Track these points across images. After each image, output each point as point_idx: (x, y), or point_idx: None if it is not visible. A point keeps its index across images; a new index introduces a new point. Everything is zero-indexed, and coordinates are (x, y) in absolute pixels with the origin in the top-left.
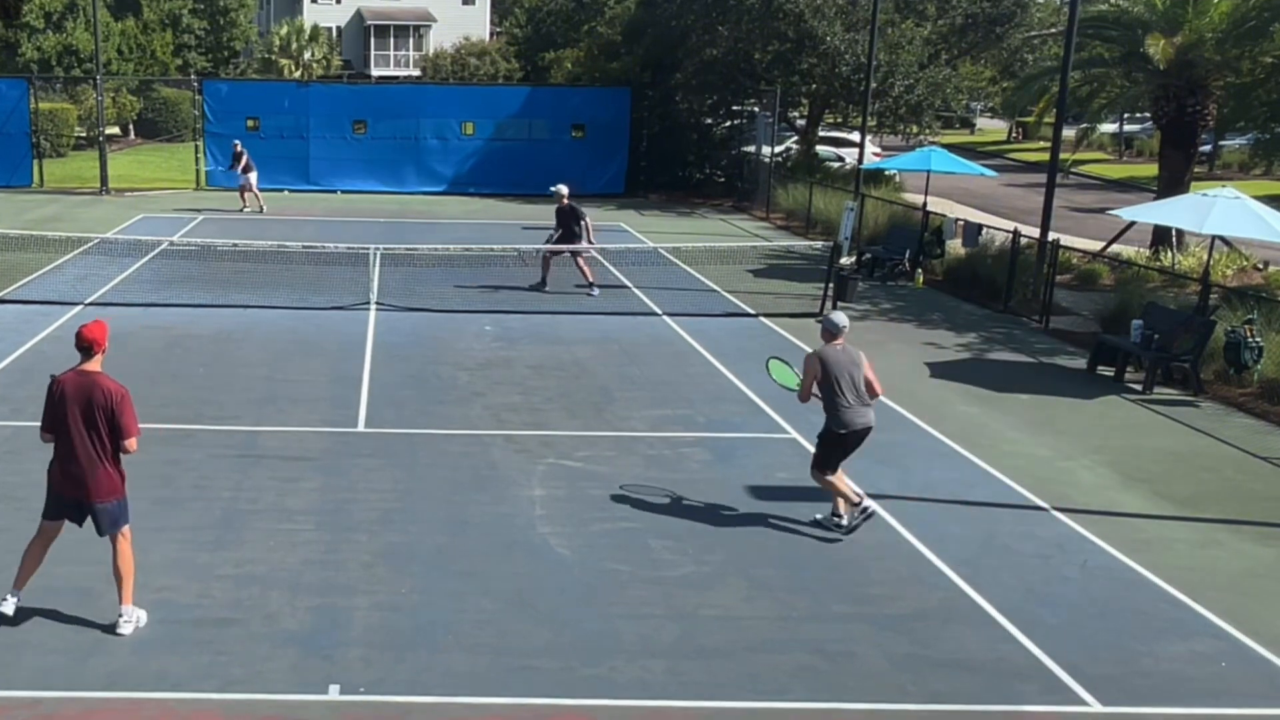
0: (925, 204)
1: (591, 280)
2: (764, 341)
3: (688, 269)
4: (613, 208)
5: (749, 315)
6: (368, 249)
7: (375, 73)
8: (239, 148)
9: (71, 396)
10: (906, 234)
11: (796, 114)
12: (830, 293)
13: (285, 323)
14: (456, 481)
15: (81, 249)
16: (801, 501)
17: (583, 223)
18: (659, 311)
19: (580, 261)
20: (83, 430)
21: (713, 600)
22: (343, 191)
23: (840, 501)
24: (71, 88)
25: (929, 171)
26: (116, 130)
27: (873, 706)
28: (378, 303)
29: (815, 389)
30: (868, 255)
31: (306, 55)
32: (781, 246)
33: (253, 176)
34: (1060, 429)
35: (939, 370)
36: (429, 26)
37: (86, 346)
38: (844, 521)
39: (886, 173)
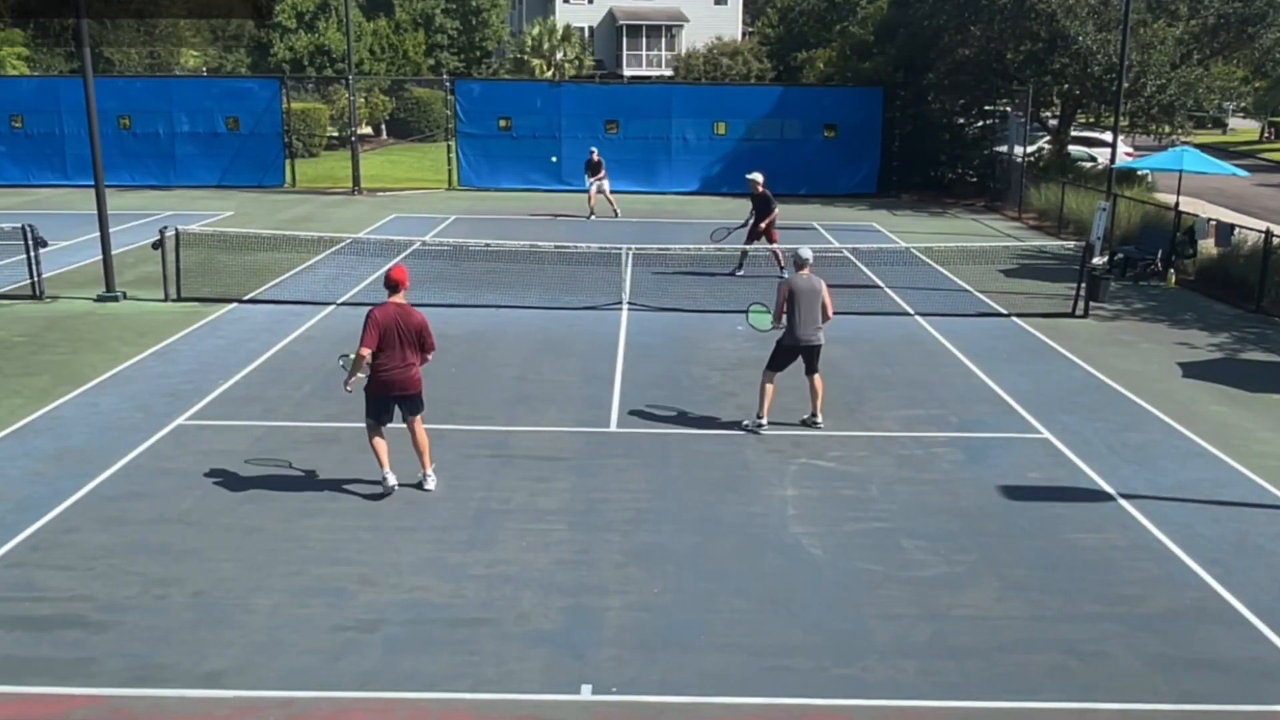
0: (1177, 204)
1: (740, 266)
2: (1016, 342)
3: (940, 269)
4: (865, 208)
5: (1001, 315)
6: (620, 249)
7: (627, 73)
8: (596, 155)
9: (393, 319)
10: (1158, 234)
11: (1048, 114)
12: (1083, 292)
13: (537, 323)
14: (709, 482)
15: (333, 249)
16: (1055, 502)
17: (770, 211)
18: (911, 311)
19: (755, 242)
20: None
21: (965, 600)
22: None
23: (764, 406)
24: (323, 88)
25: (1181, 171)
26: (368, 130)
27: (1125, 706)
28: (630, 302)
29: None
30: (1120, 255)
31: (558, 55)
32: (1033, 246)
33: (606, 183)
34: None
35: (1191, 370)
36: (681, 26)
37: (394, 284)
38: (763, 423)
39: (1138, 173)
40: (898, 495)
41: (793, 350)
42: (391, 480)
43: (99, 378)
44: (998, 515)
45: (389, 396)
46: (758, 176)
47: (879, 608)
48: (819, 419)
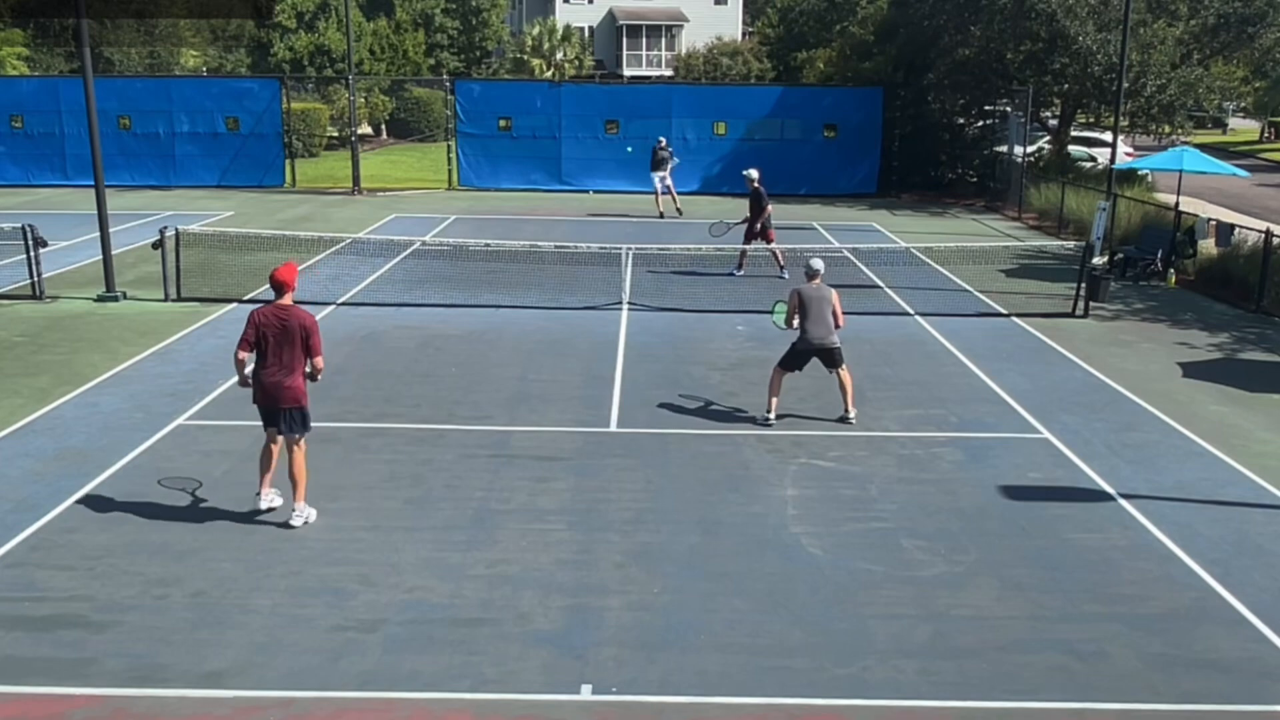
0: (1177, 204)
1: (741, 265)
2: (1017, 342)
3: (940, 269)
4: (865, 208)
5: (1001, 315)
6: (620, 249)
7: (627, 73)
8: (664, 143)
9: (271, 325)
10: (1159, 234)
11: (1048, 114)
12: (1083, 293)
13: (537, 322)
14: (709, 481)
15: (334, 249)
16: (1055, 502)
17: (763, 209)
18: (911, 311)
19: (754, 244)
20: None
21: (965, 600)
22: (595, 191)
23: (772, 401)
24: (323, 88)
25: (1181, 171)
26: (368, 130)
27: (1125, 707)
28: (630, 302)
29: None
30: (1120, 255)
31: (558, 55)
32: (1034, 246)
33: (669, 179)
34: None
35: (1191, 370)
36: (681, 26)
37: (278, 285)
38: (771, 420)
39: (1139, 173)
40: (898, 495)
41: (805, 353)
42: (264, 503)
43: (99, 378)
44: (998, 515)
45: (267, 407)
46: (753, 173)
47: (879, 608)
48: (851, 415)
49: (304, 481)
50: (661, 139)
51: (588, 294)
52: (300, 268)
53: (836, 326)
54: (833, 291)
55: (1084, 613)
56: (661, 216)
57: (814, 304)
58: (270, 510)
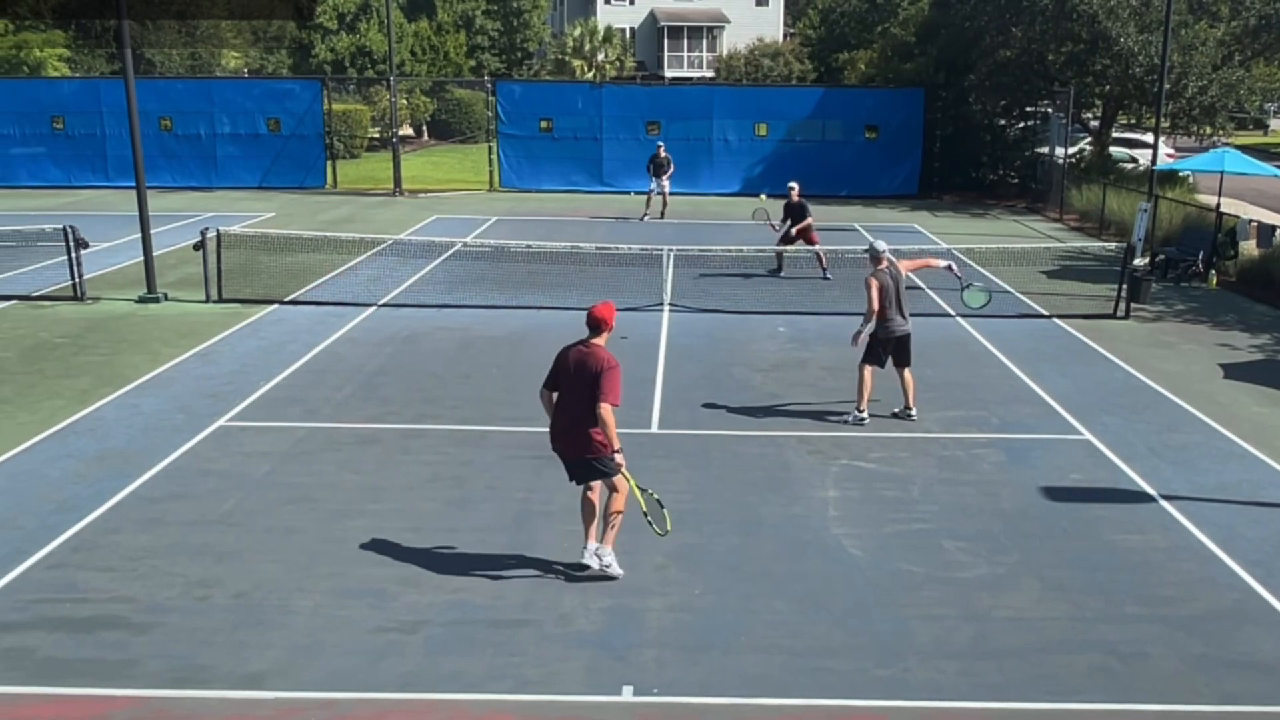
0: (1218, 205)
1: (780, 267)
2: (1058, 343)
3: (981, 270)
4: (906, 209)
5: (1042, 316)
6: (661, 250)
7: (668, 74)
8: (663, 151)
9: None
10: (1200, 235)
11: (1090, 115)
12: (1124, 294)
13: (579, 324)
14: (750, 483)
15: (375, 250)
16: (1096, 503)
17: (804, 219)
18: (952, 313)
19: (791, 246)
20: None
21: (1006, 601)
22: (636, 193)
23: (863, 398)
24: (365, 89)
25: (1222, 173)
26: (410, 131)
27: (1166, 708)
28: (671, 304)
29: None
30: (1161, 256)
31: (600, 56)
32: (1075, 248)
33: (667, 183)
34: None
35: (1232, 371)
36: (722, 28)
37: (594, 324)
38: (864, 418)
39: (1180, 174)
40: (939, 496)
41: (886, 342)
42: (588, 557)
43: (140, 379)
44: (1039, 516)
45: (558, 456)
46: (794, 185)
47: (920, 609)
48: (913, 411)
49: (616, 527)
50: (660, 144)
51: (629, 295)
52: (341, 269)
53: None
54: (900, 267)
55: (1125, 614)
56: (643, 219)
57: (892, 289)
58: (601, 570)
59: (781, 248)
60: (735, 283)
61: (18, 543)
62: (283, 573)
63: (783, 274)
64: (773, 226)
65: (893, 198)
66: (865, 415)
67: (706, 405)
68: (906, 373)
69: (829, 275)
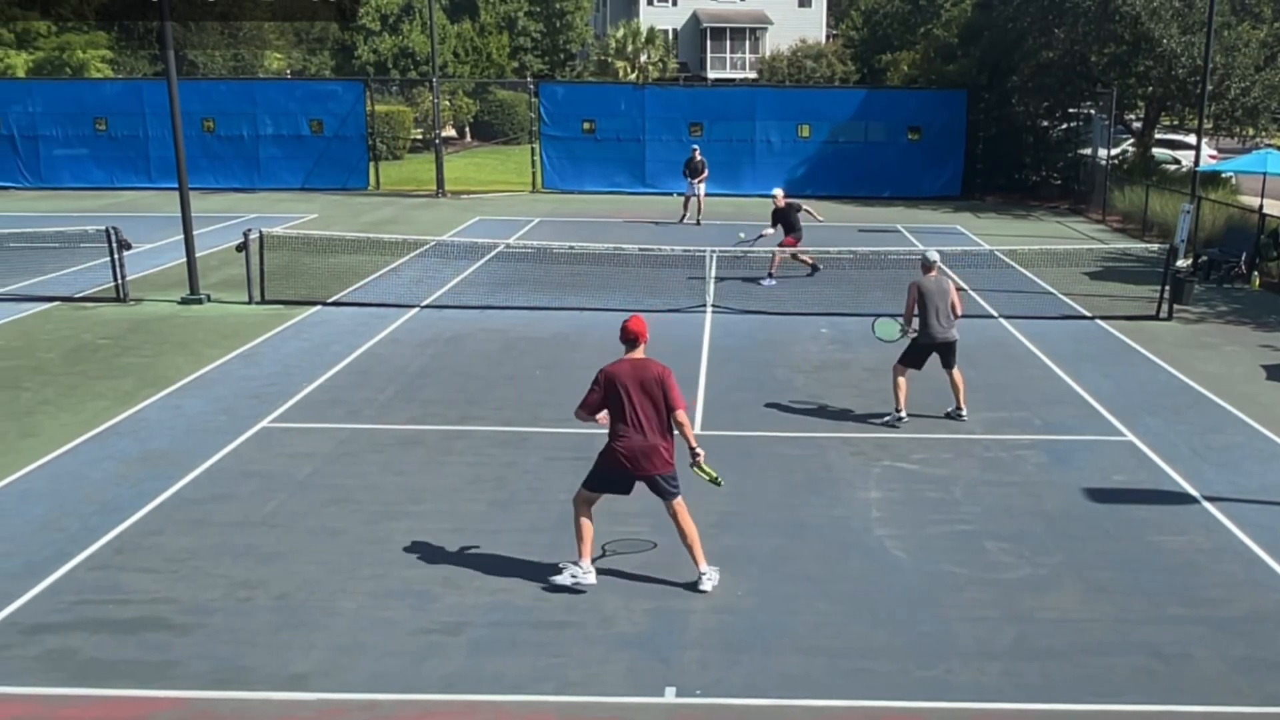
0: (1261, 206)
1: (773, 272)
2: (1100, 344)
3: (1024, 271)
4: (949, 210)
5: (1085, 318)
6: (704, 251)
7: (711, 75)
8: (699, 155)
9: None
10: (1243, 236)
11: (1132, 116)
12: (1166, 295)
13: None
14: (792, 484)
15: (418, 251)
16: (1138, 504)
17: (792, 227)
18: (995, 314)
19: (780, 252)
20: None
21: (1049, 603)
22: (679, 194)
23: (900, 399)
24: (407, 90)
25: (1265, 174)
26: (452, 132)
27: (1208, 709)
28: (713, 305)
29: (915, 309)
30: (1204, 258)
31: (642, 57)
32: (1117, 249)
33: (702, 186)
34: None
35: (1275, 372)
36: (765, 29)
37: (633, 338)
38: (904, 417)
39: (1222, 175)
40: (981, 497)
41: (927, 348)
42: (587, 577)
43: (183, 380)
44: (1081, 518)
45: (627, 473)
46: (778, 192)
47: (962, 610)
48: (963, 412)
49: (698, 540)
50: (696, 148)
51: (672, 296)
52: (384, 270)
53: (955, 316)
54: (950, 282)
55: (1168, 615)
56: (681, 221)
57: (934, 297)
58: (582, 587)
59: (783, 250)
60: (778, 284)
61: (61, 544)
62: (325, 574)
63: (773, 282)
64: (762, 235)
65: (935, 199)
66: (904, 414)
67: (749, 407)
68: (954, 373)
69: (767, 282)
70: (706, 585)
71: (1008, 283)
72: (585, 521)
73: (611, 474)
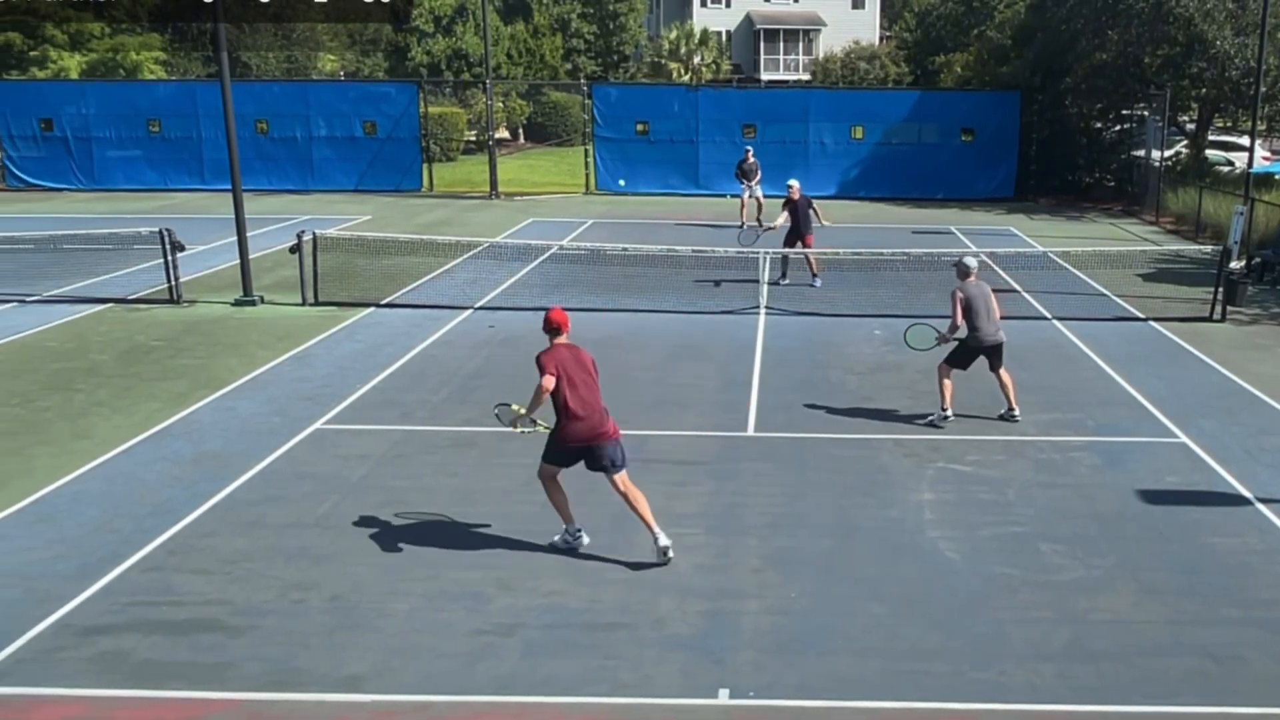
0: None
1: (816, 272)
2: (1153, 346)
3: (1077, 273)
4: (1002, 212)
5: (1138, 319)
6: (757, 253)
7: (764, 77)
8: (751, 157)
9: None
10: None
11: (1186, 118)
12: (1220, 296)
13: (675, 327)
14: (846, 486)
15: (471, 253)
16: (1192, 506)
17: (810, 210)
18: (1048, 315)
19: (810, 252)
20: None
21: (1102, 604)
22: (732, 196)
23: (946, 399)
24: (461, 92)
25: None
26: (506, 134)
27: (1263, 711)
28: (767, 306)
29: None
30: (1257, 259)
31: (696, 59)
32: (1170, 250)
33: (759, 189)
34: None
35: None
36: (818, 30)
37: (556, 327)
38: (949, 416)
39: (1276, 177)
40: (1035, 499)
41: (976, 351)
42: (585, 538)
43: (236, 382)
44: (1135, 519)
45: (586, 446)
46: (794, 183)
47: (1016, 612)
48: (1016, 412)
49: (649, 507)
50: (749, 149)
51: (725, 298)
52: (437, 272)
53: (1000, 317)
54: (989, 286)
55: (1222, 617)
56: (743, 226)
57: (980, 300)
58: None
59: (788, 250)
60: (832, 285)
61: (114, 546)
62: (379, 575)
63: (786, 281)
64: (757, 235)
65: (989, 200)
66: (949, 413)
67: (802, 408)
68: (1003, 374)
69: (818, 282)
70: (665, 541)
71: (1061, 284)
72: (556, 493)
73: (572, 449)
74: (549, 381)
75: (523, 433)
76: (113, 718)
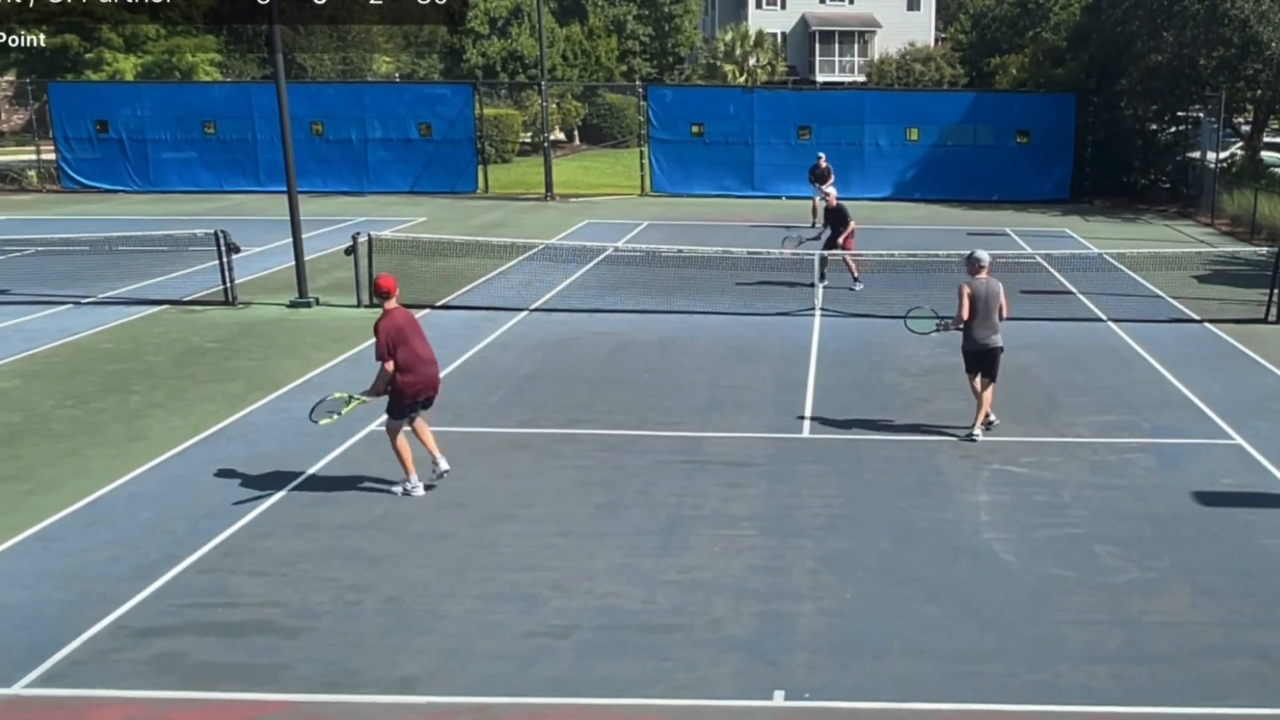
0: None
1: (858, 275)
2: (1209, 348)
3: (1132, 275)
4: (1057, 213)
5: (1193, 321)
6: (812, 254)
7: (820, 78)
8: (824, 161)
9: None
10: None
11: (1241, 120)
12: (1275, 298)
13: (729, 328)
14: (901, 488)
15: (526, 254)
16: (1248, 508)
17: (846, 224)
18: (1104, 317)
19: (849, 254)
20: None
21: (1158, 606)
22: (787, 198)
23: (982, 412)
24: (516, 93)
25: None
26: (561, 136)
27: None
28: (822, 308)
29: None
30: None
31: (751, 61)
32: (1226, 252)
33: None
34: None
35: None
36: (873, 32)
37: (385, 293)
38: (993, 421)
39: None
40: (1090, 501)
41: (974, 355)
42: (444, 464)
43: (292, 383)
44: (1190, 521)
45: (428, 396)
46: (831, 190)
47: (1071, 614)
48: (976, 433)
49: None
50: (821, 155)
51: (780, 299)
52: (492, 274)
53: (1002, 318)
54: (1001, 286)
55: (1277, 618)
56: (813, 226)
57: (984, 300)
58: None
59: (826, 252)
60: (887, 287)
61: (169, 547)
62: (434, 577)
63: (826, 283)
64: (799, 240)
65: (1044, 202)
66: (993, 418)
67: (857, 410)
68: (990, 389)
69: (859, 286)
70: (445, 466)
71: (1116, 286)
72: (403, 445)
73: (415, 400)
74: (390, 365)
75: (347, 411)
76: (168, 719)
